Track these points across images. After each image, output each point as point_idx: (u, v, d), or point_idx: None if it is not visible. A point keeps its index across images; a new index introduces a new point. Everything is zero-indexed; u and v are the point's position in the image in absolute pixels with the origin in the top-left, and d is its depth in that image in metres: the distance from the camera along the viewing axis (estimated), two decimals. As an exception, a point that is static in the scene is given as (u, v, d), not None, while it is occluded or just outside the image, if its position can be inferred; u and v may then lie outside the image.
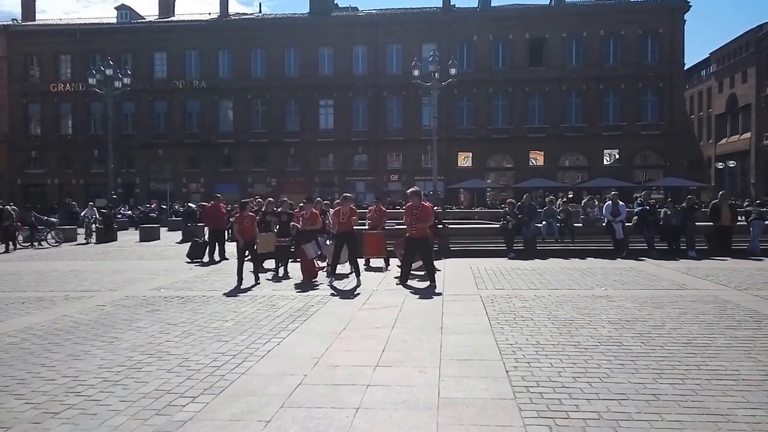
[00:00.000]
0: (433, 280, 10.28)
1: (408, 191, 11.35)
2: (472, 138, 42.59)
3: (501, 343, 6.09)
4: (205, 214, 16.56)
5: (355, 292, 9.70)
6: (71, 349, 6.13)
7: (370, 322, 7.27)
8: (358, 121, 44.26)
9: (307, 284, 10.59)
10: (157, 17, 48.61)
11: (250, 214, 11.59)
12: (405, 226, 11.17)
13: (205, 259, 14.90)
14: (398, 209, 20.76)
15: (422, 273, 10.87)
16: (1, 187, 43.60)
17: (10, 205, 20.74)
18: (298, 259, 11.56)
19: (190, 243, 15.67)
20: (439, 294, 9.34)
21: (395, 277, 10.91)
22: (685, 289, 9.50)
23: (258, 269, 11.30)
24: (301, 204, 12.50)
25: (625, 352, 5.65)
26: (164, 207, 35.00)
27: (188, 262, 14.46)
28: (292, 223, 12.40)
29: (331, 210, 14.18)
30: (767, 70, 44.63)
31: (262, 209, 13.58)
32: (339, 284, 10.48)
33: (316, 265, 11.53)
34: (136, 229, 25.68)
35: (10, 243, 18.88)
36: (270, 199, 14.69)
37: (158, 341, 6.40)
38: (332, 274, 10.80)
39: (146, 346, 6.17)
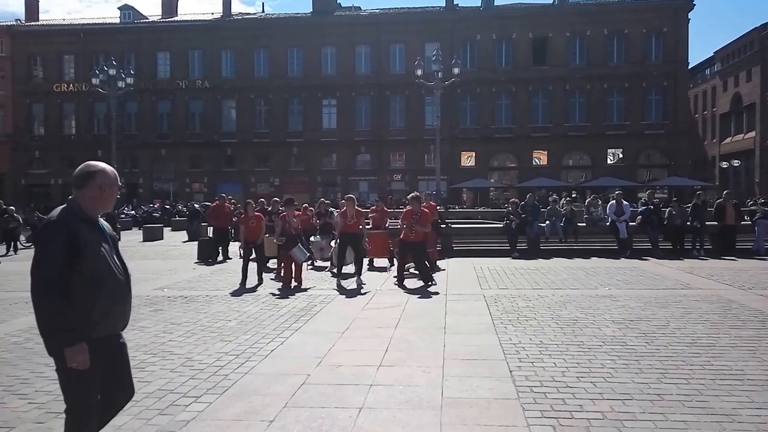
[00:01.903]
0: (427, 281, 10.27)
1: (408, 196, 11.37)
2: (475, 137, 42.54)
3: (504, 342, 6.07)
4: (209, 213, 16.63)
5: (359, 292, 9.70)
6: (75, 348, 6.13)
7: (374, 322, 7.27)
8: (361, 120, 44.25)
9: (288, 289, 10.04)
10: (160, 17, 48.70)
11: (256, 214, 11.58)
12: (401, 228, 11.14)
13: (219, 258, 14.93)
14: (401, 209, 20.74)
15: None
16: (4, 187, 43.75)
17: (11, 207, 20.38)
18: (282, 264, 10.99)
19: (197, 244, 15.65)
20: (442, 294, 9.33)
21: (394, 276, 10.91)
22: (689, 288, 9.47)
23: (262, 269, 11.30)
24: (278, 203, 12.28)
25: (629, 352, 5.64)
26: (167, 207, 35.06)
27: (197, 263, 14.39)
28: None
29: (333, 210, 14.22)
30: (772, 69, 44.45)
31: (268, 209, 13.61)
32: (342, 284, 10.48)
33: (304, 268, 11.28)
34: (139, 229, 25.73)
35: (13, 245, 18.66)
36: (275, 199, 14.73)
37: (161, 341, 6.41)
38: (339, 275, 10.78)
39: (149, 346, 6.17)
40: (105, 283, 2.77)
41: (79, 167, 2.92)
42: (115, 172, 2.97)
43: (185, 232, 22.76)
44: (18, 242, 19.24)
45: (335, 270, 11.36)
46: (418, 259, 10.66)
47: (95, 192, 2.82)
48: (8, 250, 18.42)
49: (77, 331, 2.69)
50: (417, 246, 10.59)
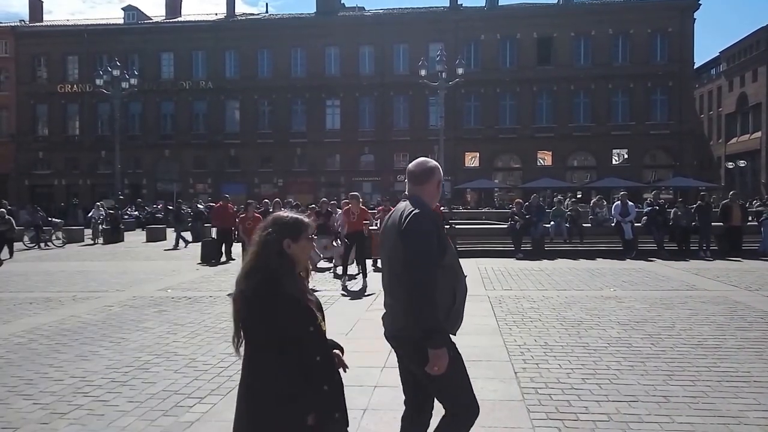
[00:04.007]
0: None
1: (350, 194, 11.58)
2: (479, 138, 42.45)
3: (509, 344, 6.05)
4: (212, 214, 16.64)
5: (363, 293, 9.68)
6: (79, 349, 6.14)
7: (378, 323, 7.22)
8: (365, 121, 44.20)
9: None
10: (164, 18, 48.78)
11: (255, 214, 11.59)
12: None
13: (222, 258, 14.93)
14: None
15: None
16: (8, 187, 43.87)
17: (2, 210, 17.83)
18: None
19: (201, 245, 15.61)
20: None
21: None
22: (695, 289, 9.42)
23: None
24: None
25: (635, 354, 5.60)
26: (170, 207, 35.06)
27: (201, 263, 14.34)
28: None
29: (338, 210, 14.20)
30: (777, 69, 44.26)
31: (271, 210, 13.61)
32: (347, 285, 10.46)
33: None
34: (142, 230, 25.77)
35: (8, 248, 16.88)
36: (277, 199, 14.75)
37: (166, 342, 6.40)
38: (344, 275, 10.76)
39: (154, 347, 6.17)
40: (461, 278, 2.64)
41: (416, 164, 2.81)
42: None
43: (189, 233, 22.71)
44: (12, 245, 17.25)
45: (338, 271, 11.35)
46: (360, 252, 10.87)
47: (434, 188, 2.76)
48: (10, 254, 17.11)
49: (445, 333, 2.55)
50: (358, 237, 10.79)
